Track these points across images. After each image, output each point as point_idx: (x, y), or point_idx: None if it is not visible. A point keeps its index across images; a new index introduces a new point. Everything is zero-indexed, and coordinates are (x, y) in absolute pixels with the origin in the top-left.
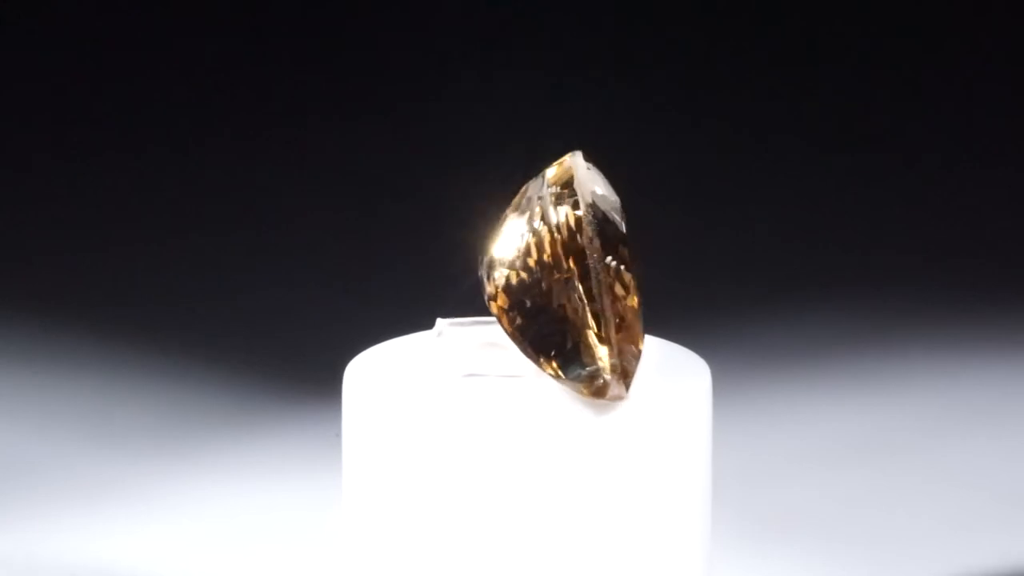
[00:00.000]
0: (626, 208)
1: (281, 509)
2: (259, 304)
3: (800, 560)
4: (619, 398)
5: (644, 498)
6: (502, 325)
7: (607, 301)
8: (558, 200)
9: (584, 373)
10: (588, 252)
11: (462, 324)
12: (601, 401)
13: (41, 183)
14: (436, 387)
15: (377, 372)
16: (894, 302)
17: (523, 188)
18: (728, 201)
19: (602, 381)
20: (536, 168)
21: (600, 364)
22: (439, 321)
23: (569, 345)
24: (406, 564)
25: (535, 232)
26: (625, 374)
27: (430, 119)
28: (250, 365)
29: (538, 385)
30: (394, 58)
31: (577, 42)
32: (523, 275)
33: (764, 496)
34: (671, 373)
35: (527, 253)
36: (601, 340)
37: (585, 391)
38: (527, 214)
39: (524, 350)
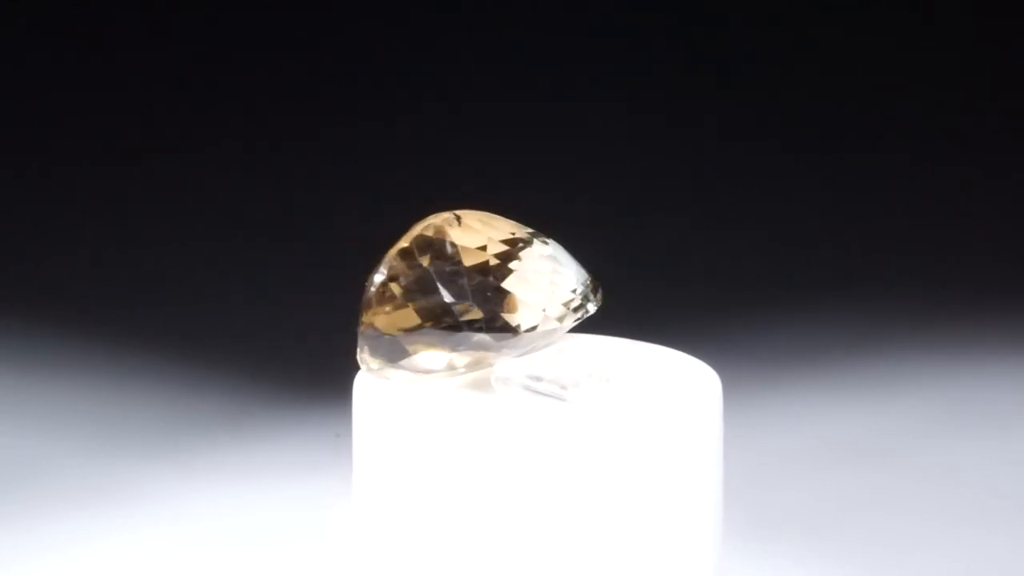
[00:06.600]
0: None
1: (280, 512)
2: (259, 308)
3: (805, 561)
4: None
5: (654, 506)
6: None
7: None
8: None
9: None
10: None
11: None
12: None
13: (44, 186)
14: (446, 395)
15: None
16: (895, 304)
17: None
18: (728, 206)
19: None
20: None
21: None
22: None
23: None
24: (416, 570)
25: None
26: None
27: (442, 125)
28: (249, 369)
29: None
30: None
31: (576, 45)
32: None
33: (769, 498)
34: (681, 385)
35: None
36: None
37: None
38: None
39: None
